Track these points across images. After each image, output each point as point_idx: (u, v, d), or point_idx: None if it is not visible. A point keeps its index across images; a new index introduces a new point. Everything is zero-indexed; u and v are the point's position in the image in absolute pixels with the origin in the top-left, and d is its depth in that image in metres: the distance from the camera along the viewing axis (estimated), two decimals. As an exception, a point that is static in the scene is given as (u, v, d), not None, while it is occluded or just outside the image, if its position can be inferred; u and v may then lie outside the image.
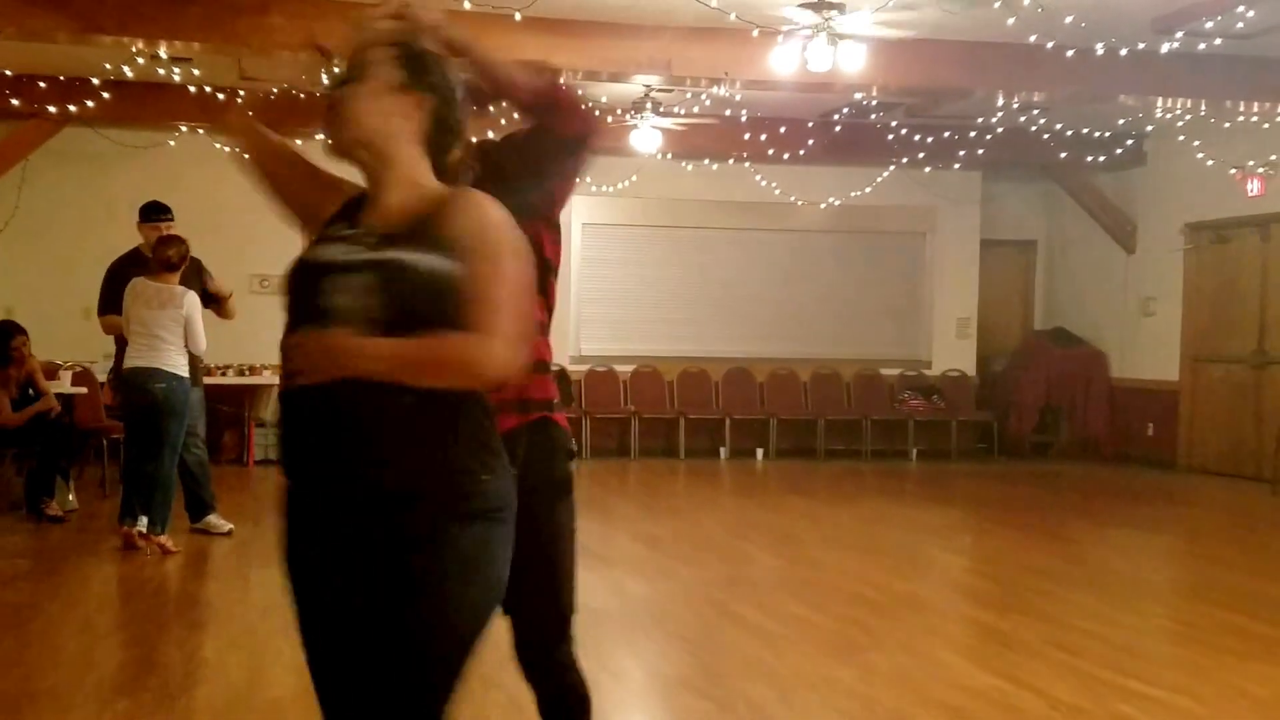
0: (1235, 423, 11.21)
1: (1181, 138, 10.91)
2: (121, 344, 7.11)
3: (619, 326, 12.57)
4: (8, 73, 9.64)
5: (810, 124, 11.56)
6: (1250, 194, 10.83)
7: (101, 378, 9.04)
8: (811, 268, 13.00)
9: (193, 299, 6.88)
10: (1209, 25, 7.80)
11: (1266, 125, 10.13)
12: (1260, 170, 10.66)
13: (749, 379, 12.75)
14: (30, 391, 8.03)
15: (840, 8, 7.44)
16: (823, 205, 12.76)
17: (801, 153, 11.73)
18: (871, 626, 5.52)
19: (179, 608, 5.93)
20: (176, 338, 6.76)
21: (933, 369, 13.23)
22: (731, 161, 12.15)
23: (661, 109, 10.23)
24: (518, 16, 7.44)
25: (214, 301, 7.40)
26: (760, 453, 12.48)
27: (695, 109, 10.45)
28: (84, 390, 9.08)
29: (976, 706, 4.30)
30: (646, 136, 10.47)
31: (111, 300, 7.20)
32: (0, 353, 7.91)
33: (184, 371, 6.82)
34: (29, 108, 10.03)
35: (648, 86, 9.46)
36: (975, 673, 4.75)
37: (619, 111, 10.56)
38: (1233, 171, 10.73)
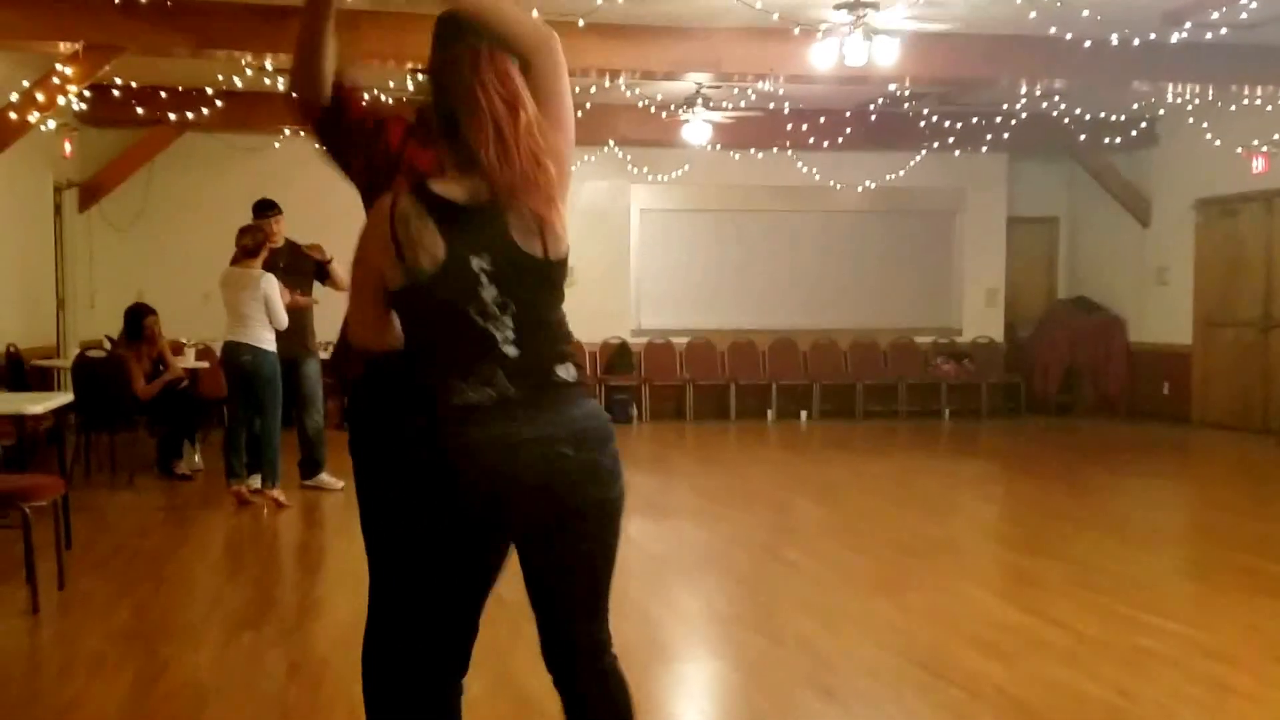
0: (1244, 381, 11.02)
1: (1191, 120, 10.68)
2: None
3: (675, 302, 12.54)
4: (133, 85, 9.79)
5: (847, 114, 11.42)
6: (1255, 171, 10.69)
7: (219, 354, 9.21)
8: (849, 246, 12.87)
9: (270, 280, 6.95)
10: (1215, 16, 7.68)
11: (1269, 107, 9.94)
12: (1264, 149, 10.50)
13: (793, 348, 12.67)
14: (160, 367, 8.20)
15: (875, 6, 7.34)
16: (860, 188, 12.61)
17: (840, 140, 11.60)
18: (908, 568, 5.49)
19: (293, 553, 6.06)
20: (261, 315, 6.87)
21: (963, 336, 13.07)
22: (775, 150, 12.05)
23: (711, 104, 10.16)
24: (581, 23, 7.43)
25: (324, 276, 7.46)
26: (804, 414, 12.42)
27: (742, 103, 10.37)
28: (206, 365, 9.28)
29: (1007, 640, 4.26)
30: (698, 129, 10.41)
31: None
32: (135, 330, 8.08)
33: (269, 345, 6.93)
34: (152, 116, 10.18)
35: (699, 84, 9.39)
36: (1005, 609, 4.71)
37: (673, 107, 10.52)
38: (1239, 150, 10.56)
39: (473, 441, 2.07)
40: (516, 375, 2.08)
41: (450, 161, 2.10)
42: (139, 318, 8.11)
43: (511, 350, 2.08)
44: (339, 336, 2.54)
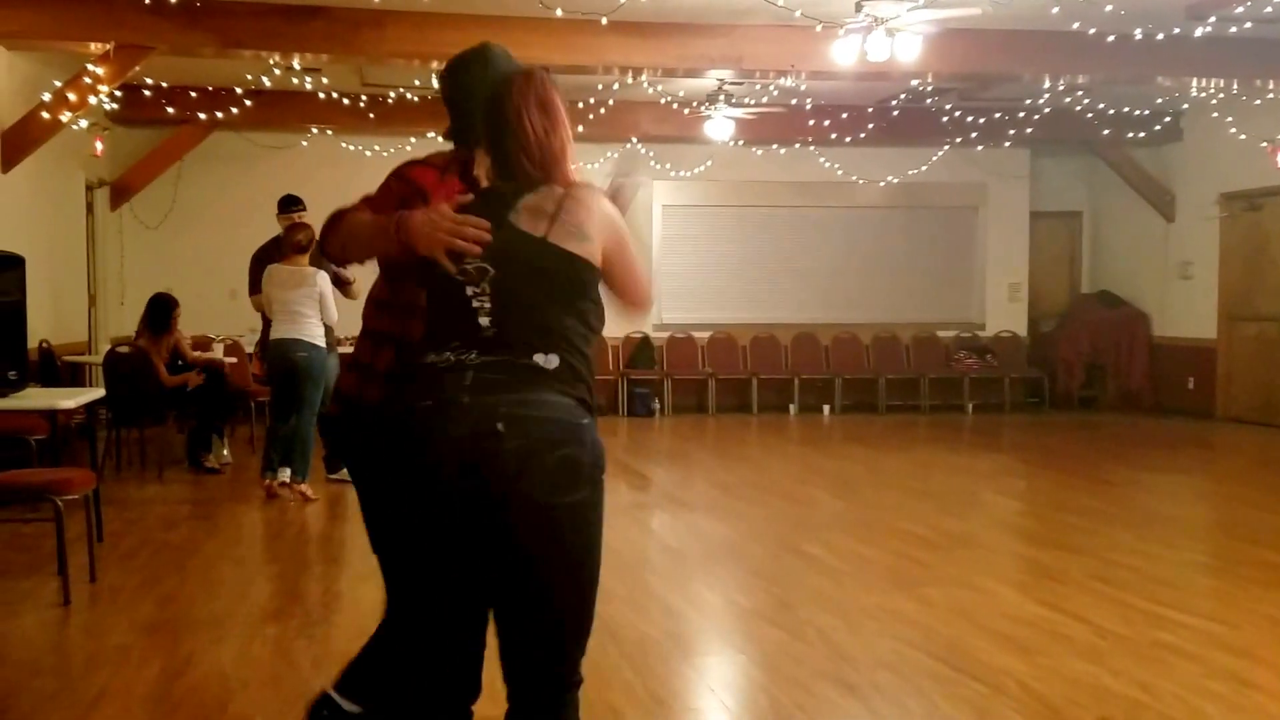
0: (1268, 376, 10.89)
1: (1215, 114, 10.58)
2: (267, 320, 7.28)
3: (697, 297, 12.52)
4: (163, 84, 9.87)
5: (869, 109, 11.36)
6: None
7: (249, 349, 9.27)
8: (871, 241, 12.81)
9: (324, 277, 7.00)
10: (1239, 10, 7.59)
11: (1294, 102, 9.82)
12: (1288, 144, 10.36)
13: (815, 342, 12.62)
14: (180, 362, 8.24)
15: (898, 4, 7.28)
16: (882, 184, 12.55)
17: (862, 136, 11.54)
18: (928, 562, 5.46)
19: (318, 547, 6.09)
20: (314, 312, 6.90)
21: (986, 330, 12.99)
22: (797, 146, 12.00)
23: (733, 100, 10.12)
24: (604, 21, 7.42)
25: (341, 284, 7.51)
26: (826, 409, 12.38)
27: (764, 99, 10.32)
28: (234, 360, 9.34)
29: (1027, 634, 4.23)
30: (720, 125, 10.38)
31: (257, 282, 7.37)
32: (159, 322, 8.11)
33: (322, 341, 6.97)
34: (181, 115, 10.27)
35: (721, 80, 9.36)
36: (1025, 603, 4.68)
37: (695, 104, 10.49)
38: (1263, 144, 10.43)
39: (413, 401, 2.05)
40: (485, 349, 2.07)
41: (489, 172, 2.27)
42: (167, 310, 8.13)
43: (486, 322, 2.09)
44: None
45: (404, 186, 2.60)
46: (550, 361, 2.06)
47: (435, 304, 2.18)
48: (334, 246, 2.47)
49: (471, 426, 1.98)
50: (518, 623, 2.07)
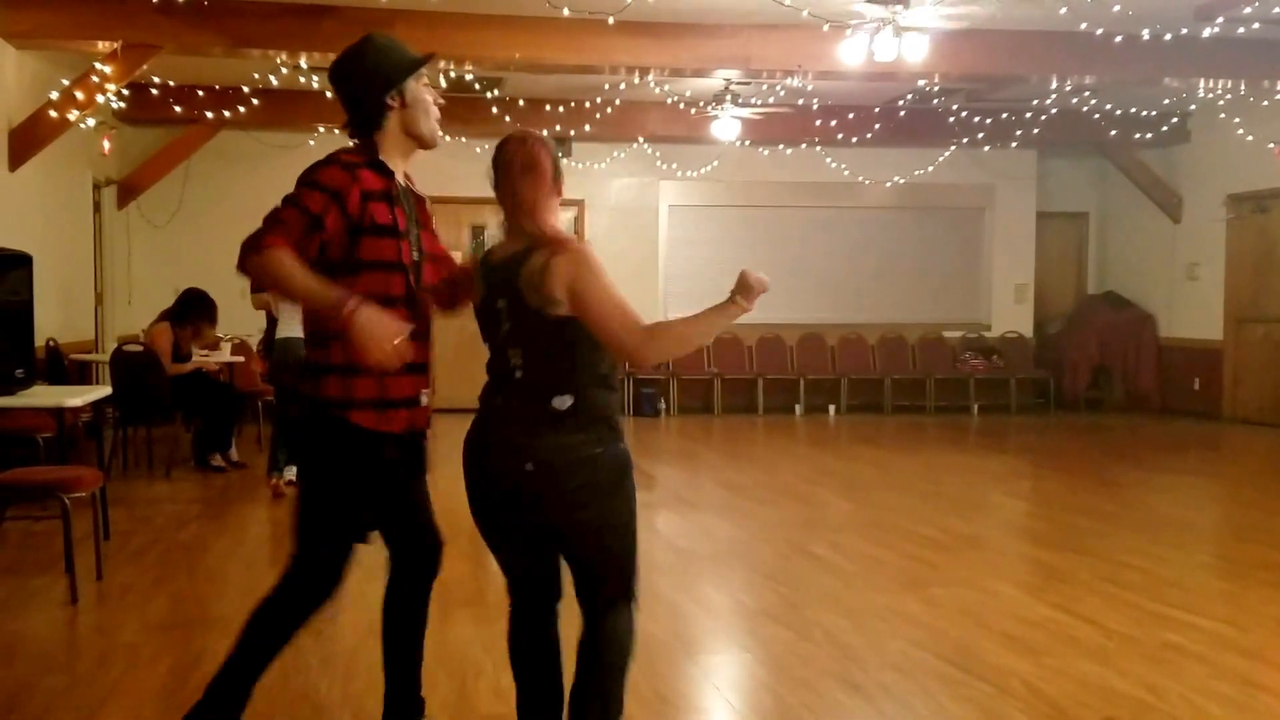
0: (1275, 377, 10.88)
1: (1223, 115, 10.55)
2: (271, 319, 7.28)
3: (703, 297, 12.02)
4: (171, 83, 9.89)
5: (876, 110, 11.36)
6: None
7: (255, 348, 9.28)
8: (878, 241, 12.80)
9: None
10: (1248, 11, 7.56)
11: (1303, 103, 9.79)
12: (1295, 145, 10.33)
13: (821, 343, 12.62)
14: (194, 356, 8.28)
15: (904, 2, 7.27)
16: (888, 184, 12.54)
17: (868, 136, 11.54)
18: (936, 563, 5.45)
19: (326, 546, 6.08)
20: None
21: (992, 331, 12.97)
22: (804, 146, 12.00)
23: (740, 100, 10.12)
24: (611, 20, 7.42)
25: None
26: (832, 409, 12.37)
27: (771, 99, 10.31)
28: (241, 359, 9.34)
29: (1035, 635, 4.23)
30: (726, 125, 10.38)
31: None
32: (182, 314, 8.10)
33: None
34: (189, 114, 10.29)
35: (728, 80, 9.36)
36: (1033, 605, 4.68)
37: (701, 104, 10.49)
38: (1271, 146, 10.41)
39: (470, 437, 2.68)
40: (519, 395, 2.61)
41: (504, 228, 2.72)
42: (194, 305, 8.12)
43: (520, 374, 2.61)
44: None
45: (317, 198, 2.79)
46: (564, 403, 2.55)
47: (491, 351, 2.73)
48: (258, 279, 2.83)
49: (509, 462, 2.59)
50: (575, 569, 2.72)
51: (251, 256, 2.77)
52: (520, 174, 2.62)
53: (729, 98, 9.98)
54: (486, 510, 2.71)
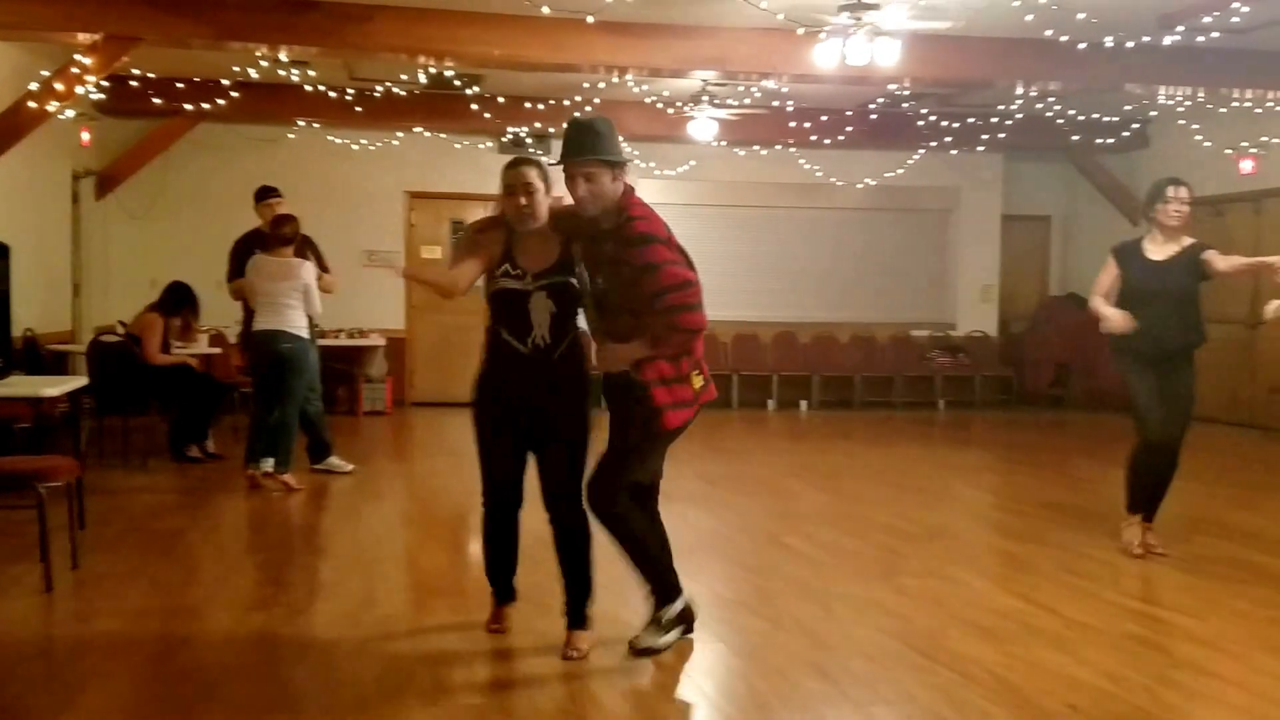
0: (1231, 377, 10.99)
1: (1182, 122, 10.67)
2: (248, 310, 7.21)
3: None
4: (150, 75, 9.76)
5: (849, 112, 11.39)
6: (1244, 172, 10.71)
7: (232, 340, 9.18)
8: (850, 241, 12.84)
9: (309, 269, 6.94)
10: (1207, 20, 7.63)
11: (1259, 110, 9.95)
12: (1253, 151, 10.52)
13: (794, 340, 12.66)
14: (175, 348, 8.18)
15: (875, 7, 7.29)
16: (860, 185, 12.59)
17: (841, 138, 11.57)
18: (905, 554, 5.48)
19: (302, 536, 6.04)
20: (299, 303, 6.84)
21: (958, 330, 13.06)
22: (779, 147, 12.02)
23: (717, 101, 10.12)
24: (590, 20, 7.39)
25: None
26: (804, 404, 12.41)
27: (747, 100, 10.32)
28: (219, 350, 9.25)
29: (999, 624, 4.25)
30: (704, 126, 10.37)
31: (237, 269, 7.31)
32: (170, 306, 8.01)
33: (306, 333, 6.91)
34: (169, 106, 10.17)
35: (705, 81, 9.35)
36: (997, 594, 4.70)
37: (679, 104, 10.48)
38: (1228, 152, 10.55)
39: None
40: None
41: None
42: (180, 297, 8.06)
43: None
44: None
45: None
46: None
47: None
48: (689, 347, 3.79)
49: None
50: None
51: (693, 336, 3.72)
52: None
53: (706, 98, 9.98)
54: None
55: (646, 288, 3.53)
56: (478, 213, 12.22)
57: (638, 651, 3.77)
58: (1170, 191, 5.36)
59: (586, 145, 3.58)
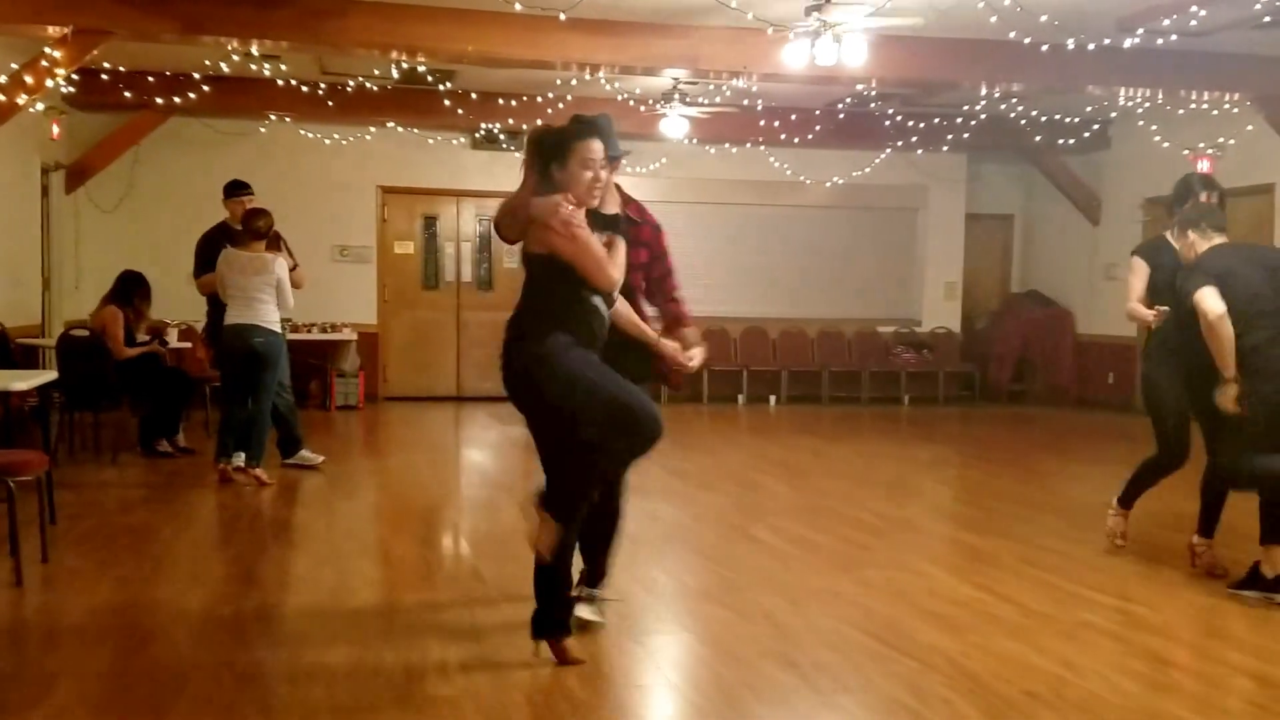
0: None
1: (1141, 123, 10.78)
2: (214, 304, 7.15)
3: None
4: (121, 69, 9.65)
5: (817, 112, 11.44)
6: (1201, 173, 10.74)
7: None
8: (817, 239, 12.91)
9: (281, 264, 6.89)
10: (1166, 23, 7.72)
11: (1215, 112, 10.09)
12: (1210, 151, 10.59)
13: (763, 336, 12.71)
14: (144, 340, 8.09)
15: (844, 8, 7.32)
16: (828, 184, 12.65)
17: (809, 137, 11.62)
18: (869, 546, 5.53)
19: (274, 531, 6.00)
20: (271, 298, 6.79)
21: (923, 326, 13.16)
22: (749, 145, 12.05)
23: (688, 99, 10.12)
24: (562, 17, 7.38)
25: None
26: (773, 399, 12.47)
27: (717, 99, 10.34)
28: (189, 345, 9.16)
29: (959, 614, 4.31)
30: (674, 123, 10.38)
31: (204, 264, 7.25)
32: (124, 295, 7.92)
33: (278, 327, 6.87)
34: (139, 100, 10.05)
35: (676, 79, 9.36)
36: (958, 585, 4.76)
37: (651, 102, 10.48)
38: (1185, 153, 10.65)
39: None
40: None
41: None
42: (132, 286, 7.95)
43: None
44: None
45: None
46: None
47: None
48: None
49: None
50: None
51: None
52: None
53: (677, 96, 9.99)
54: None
55: (656, 270, 4.24)
56: (450, 208, 12.22)
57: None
58: (1204, 196, 5.45)
59: (614, 140, 3.97)
